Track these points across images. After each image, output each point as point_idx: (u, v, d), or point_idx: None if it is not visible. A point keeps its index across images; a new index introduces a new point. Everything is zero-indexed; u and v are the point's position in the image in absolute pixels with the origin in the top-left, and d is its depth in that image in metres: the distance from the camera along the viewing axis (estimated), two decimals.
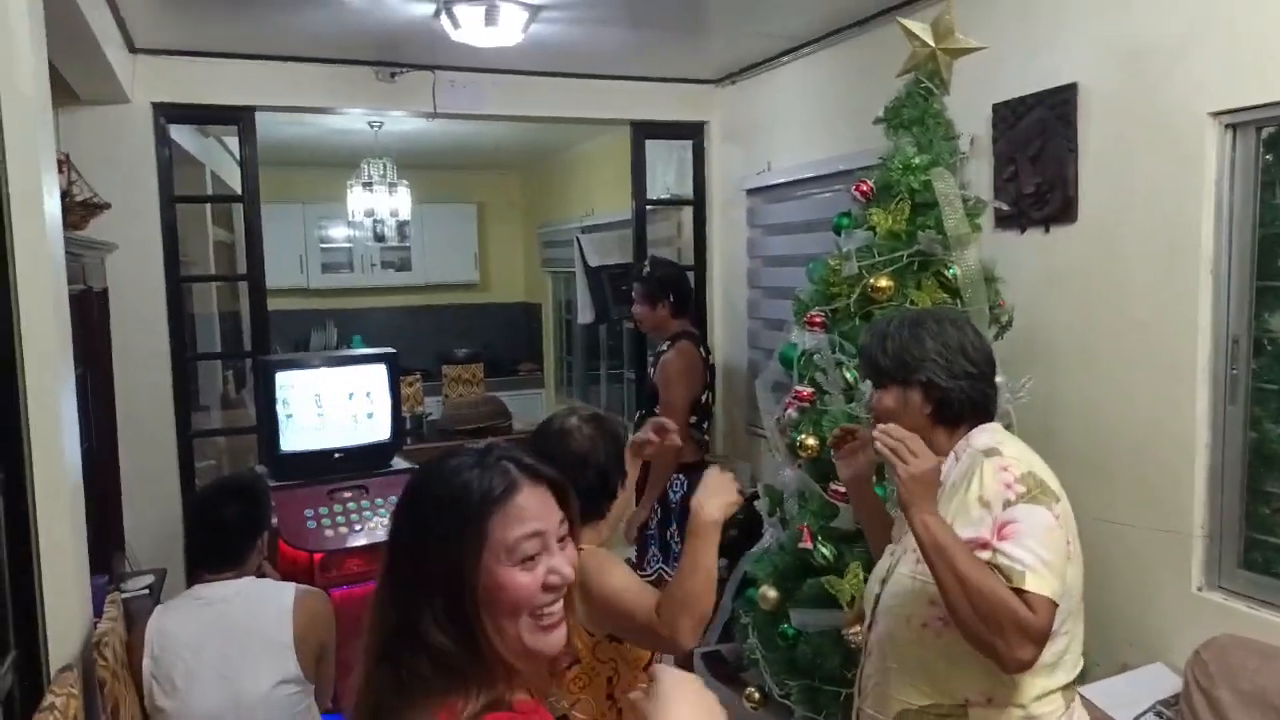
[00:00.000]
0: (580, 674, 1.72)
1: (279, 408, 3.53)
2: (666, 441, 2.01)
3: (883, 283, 2.50)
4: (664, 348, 3.80)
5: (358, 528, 3.43)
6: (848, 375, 2.56)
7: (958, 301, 2.50)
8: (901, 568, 1.67)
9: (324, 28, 3.54)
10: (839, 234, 2.74)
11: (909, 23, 2.54)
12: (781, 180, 4.20)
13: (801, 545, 2.57)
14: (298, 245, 7.82)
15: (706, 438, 3.96)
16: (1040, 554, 1.47)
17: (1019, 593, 1.45)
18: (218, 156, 5.58)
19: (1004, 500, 1.51)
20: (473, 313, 8.76)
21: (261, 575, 2.33)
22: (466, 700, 0.98)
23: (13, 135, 1.83)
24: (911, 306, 2.42)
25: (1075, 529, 1.59)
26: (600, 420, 1.86)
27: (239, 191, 4.24)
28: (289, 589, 2.26)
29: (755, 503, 2.92)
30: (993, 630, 1.44)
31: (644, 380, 4.12)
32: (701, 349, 3.88)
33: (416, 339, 8.37)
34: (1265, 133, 2.28)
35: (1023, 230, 2.84)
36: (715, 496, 1.63)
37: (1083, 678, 1.70)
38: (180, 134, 4.25)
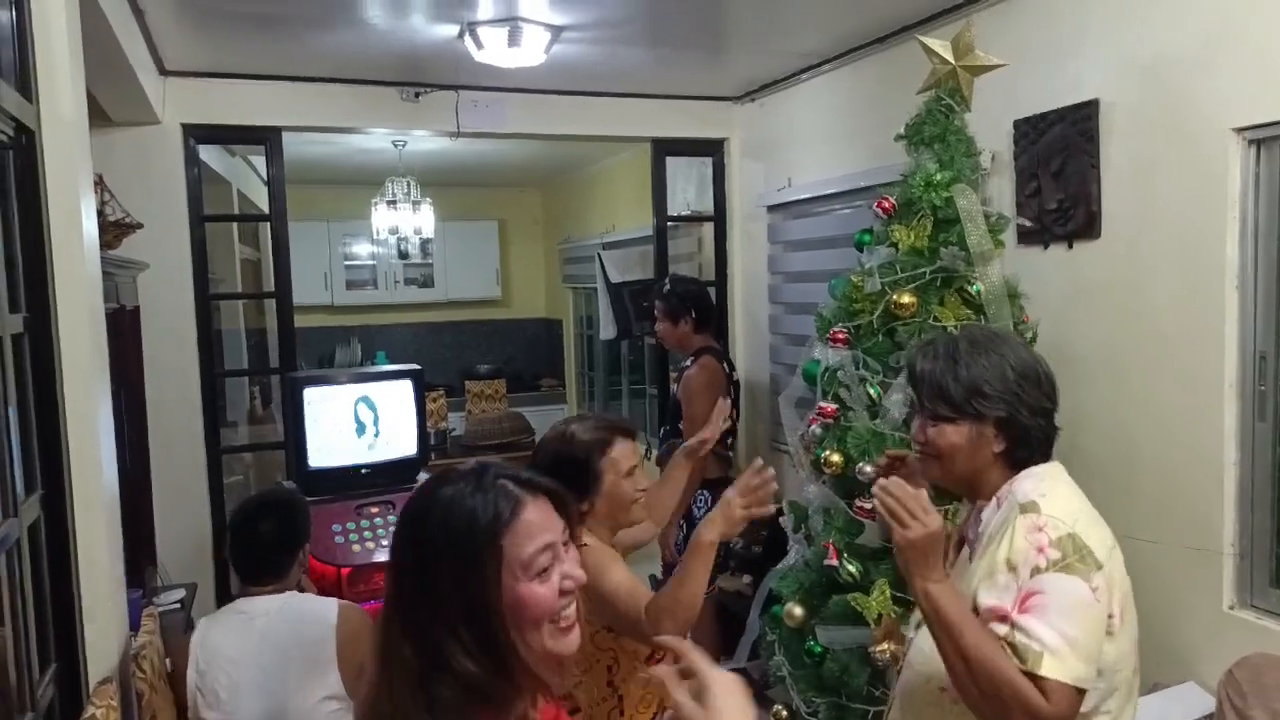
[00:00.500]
0: (581, 659, 1.78)
1: (307, 424, 3.57)
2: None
3: (905, 299, 2.50)
4: (687, 363, 3.82)
5: (385, 543, 3.46)
6: (871, 391, 2.57)
7: (981, 318, 2.50)
8: None
9: (349, 49, 3.60)
10: (861, 250, 2.75)
11: (929, 40, 2.56)
12: (802, 196, 4.21)
13: (827, 562, 2.56)
14: (322, 262, 7.91)
15: (730, 453, 3.96)
16: (1066, 632, 1.31)
17: (1034, 677, 1.30)
18: (244, 175, 5.66)
19: (1033, 566, 1.34)
20: (495, 328, 8.82)
21: (301, 589, 2.36)
22: (495, 715, 1.00)
23: (53, 158, 1.89)
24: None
25: (1127, 592, 1.41)
26: (584, 415, 1.97)
27: (265, 210, 4.31)
28: (332, 605, 2.27)
29: (780, 519, 2.92)
30: (1000, 715, 1.32)
31: (667, 396, 4.14)
32: (725, 364, 3.90)
33: (439, 355, 8.45)
34: None
35: (1046, 246, 2.84)
36: (716, 520, 1.72)
37: None
38: (208, 154, 4.32)
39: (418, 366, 4.04)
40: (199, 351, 3.96)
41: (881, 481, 1.45)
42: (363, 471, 3.65)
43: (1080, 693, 1.32)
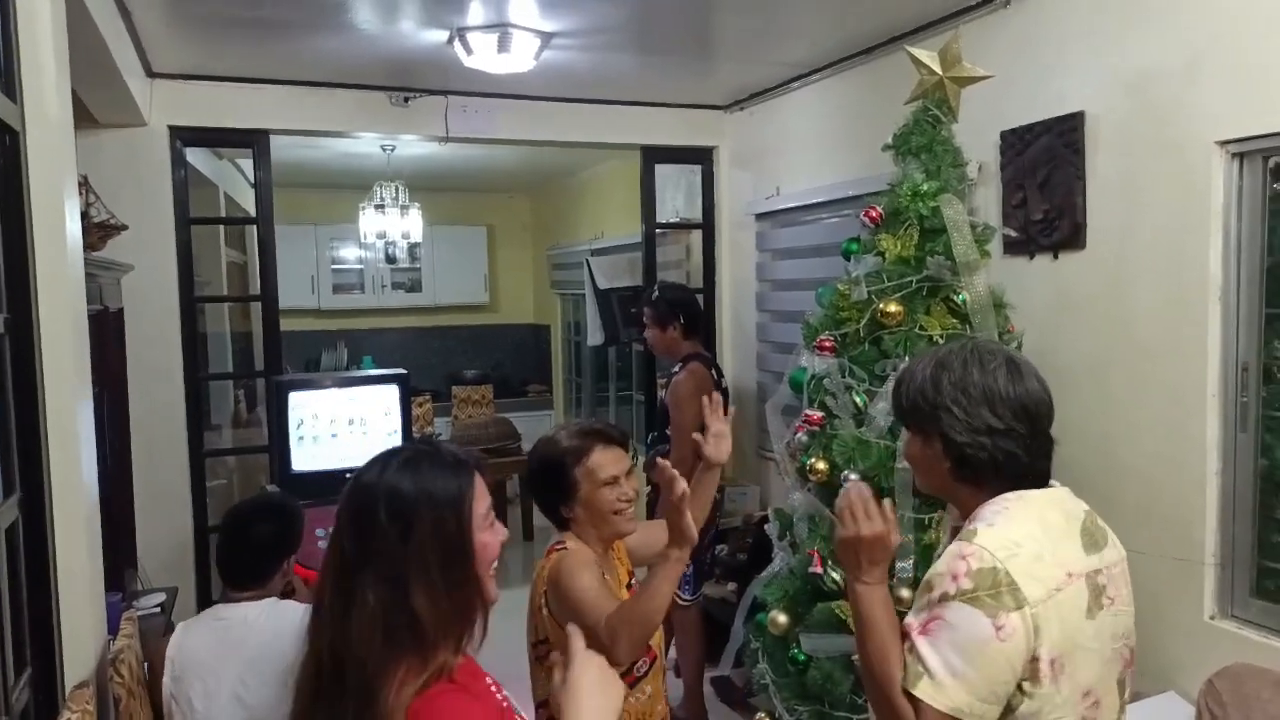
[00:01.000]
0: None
1: (291, 427, 3.55)
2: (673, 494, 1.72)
3: (892, 308, 2.51)
4: (676, 370, 3.82)
5: None
6: (857, 399, 2.57)
7: (967, 327, 2.51)
8: None
9: (338, 53, 3.59)
10: (848, 259, 2.76)
11: (917, 51, 2.57)
12: (790, 205, 4.23)
13: (812, 570, 2.57)
14: (309, 266, 7.89)
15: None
16: (952, 662, 1.28)
17: (911, 696, 1.30)
18: (231, 178, 5.64)
19: (943, 592, 1.31)
20: (482, 334, 8.81)
21: (288, 595, 2.32)
22: (423, 659, 1.16)
23: (37, 159, 1.88)
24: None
25: (1081, 644, 1.33)
26: (577, 421, 2.00)
27: (251, 212, 4.29)
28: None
29: (765, 526, 2.92)
30: None
31: (654, 402, 4.13)
32: (713, 371, 3.90)
33: (426, 360, 8.42)
34: (1273, 162, 2.29)
35: (1031, 256, 2.85)
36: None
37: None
38: (194, 156, 4.30)
39: (404, 371, 4.03)
40: (183, 354, 3.94)
41: (852, 480, 1.48)
42: (346, 476, 3.60)
43: None
